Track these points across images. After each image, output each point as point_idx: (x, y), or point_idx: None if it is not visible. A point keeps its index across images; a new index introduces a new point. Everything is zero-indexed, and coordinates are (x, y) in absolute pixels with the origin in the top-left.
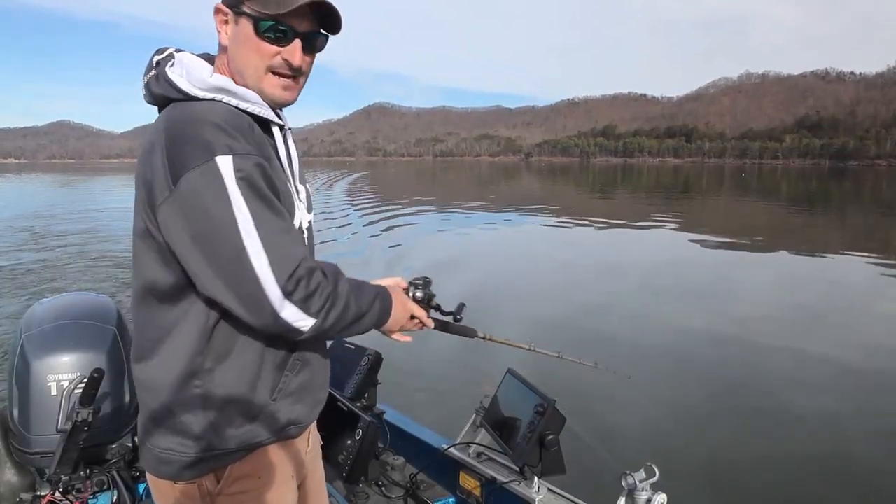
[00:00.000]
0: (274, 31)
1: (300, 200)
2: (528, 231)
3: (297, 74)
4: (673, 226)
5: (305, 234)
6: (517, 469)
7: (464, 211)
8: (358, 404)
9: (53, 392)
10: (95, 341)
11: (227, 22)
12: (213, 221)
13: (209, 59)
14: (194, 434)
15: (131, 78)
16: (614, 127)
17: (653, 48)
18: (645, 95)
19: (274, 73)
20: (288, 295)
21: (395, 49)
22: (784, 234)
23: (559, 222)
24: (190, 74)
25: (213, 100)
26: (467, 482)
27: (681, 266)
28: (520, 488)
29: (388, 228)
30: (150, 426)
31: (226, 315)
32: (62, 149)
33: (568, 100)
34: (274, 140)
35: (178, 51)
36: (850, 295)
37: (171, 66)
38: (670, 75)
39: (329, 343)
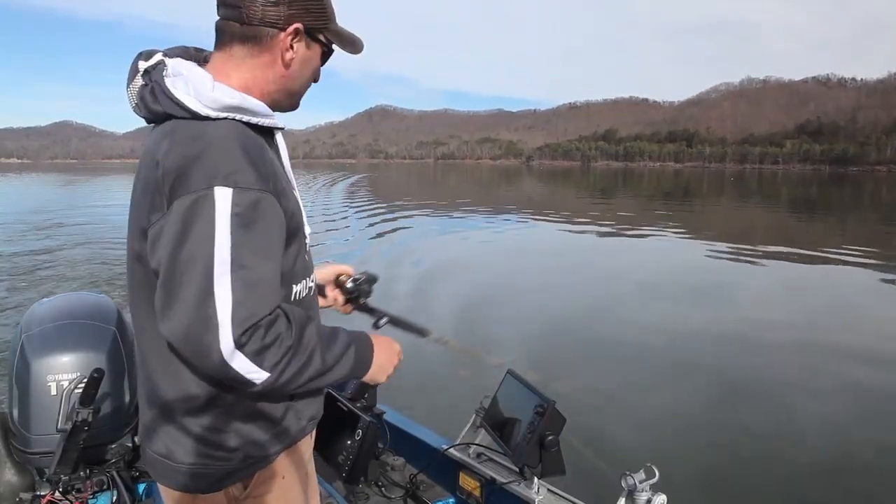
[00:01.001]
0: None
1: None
2: (529, 234)
3: None
4: (673, 230)
5: (305, 231)
6: (517, 469)
7: (464, 213)
8: (358, 404)
9: (53, 392)
10: (95, 341)
11: (294, 45)
12: (190, 253)
13: (186, 52)
14: (228, 447)
15: None
16: (615, 131)
17: (655, 53)
18: (646, 100)
19: None
20: (240, 346)
21: (397, 52)
22: (784, 239)
23: (559, 226)
24: (199, 92)
25: (225, 119)
26: (467, 483)
27: (681, 270)
28: (520, 489)
29: (389, 231)
30: (174, 445)
31: None
32: (65, 149)
33: (569, 104)
34: (277, 144)
35: (165, 54)
36: (852, 299)
37: (166, 75)
38: (672, 80)
39: None
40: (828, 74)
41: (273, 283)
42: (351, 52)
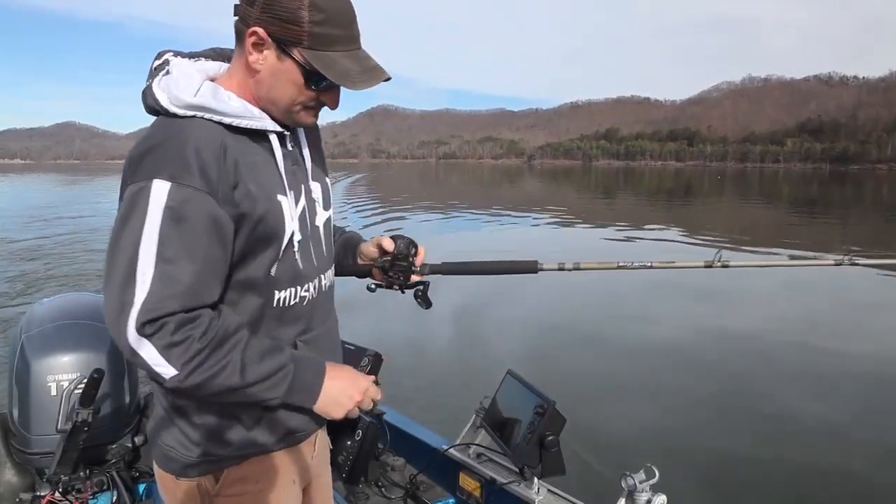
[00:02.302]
0: (323, 85)
1: (314, 199)
2: (529, 233)
3: None
4: (674, 229)
5: (293, 239)
6: (517, 470)
7: (465, 213)
8: None
9: (53, 392)
10: (95, 341)
11: (261, 48)
12: (124, 239)
13: (221, 55)
14: (194, 438)
15: (134, 79)
16: (617, 130)
17: (656, 52)
18: (648, 99)
19: (308, 107)
20: (146, 335)
21: (399, 52)
22: (785, 238)
23: (560, 224)
24: (170, 91)
25: (193, 117)
26: (467, 483)
27: (682, 268)
28: (520, 489)
29: (389, 230)
30: (160, 422)
31: None
32: (68, 149)
33: (571, 103)
34: (270, 144)
35: (176, 54)
36: (854, 300)
37: (165, 74)
38: (673, 79)
39: (339, 344)
40: (829, 73)
41: (190, 283)
42: (345, 87)
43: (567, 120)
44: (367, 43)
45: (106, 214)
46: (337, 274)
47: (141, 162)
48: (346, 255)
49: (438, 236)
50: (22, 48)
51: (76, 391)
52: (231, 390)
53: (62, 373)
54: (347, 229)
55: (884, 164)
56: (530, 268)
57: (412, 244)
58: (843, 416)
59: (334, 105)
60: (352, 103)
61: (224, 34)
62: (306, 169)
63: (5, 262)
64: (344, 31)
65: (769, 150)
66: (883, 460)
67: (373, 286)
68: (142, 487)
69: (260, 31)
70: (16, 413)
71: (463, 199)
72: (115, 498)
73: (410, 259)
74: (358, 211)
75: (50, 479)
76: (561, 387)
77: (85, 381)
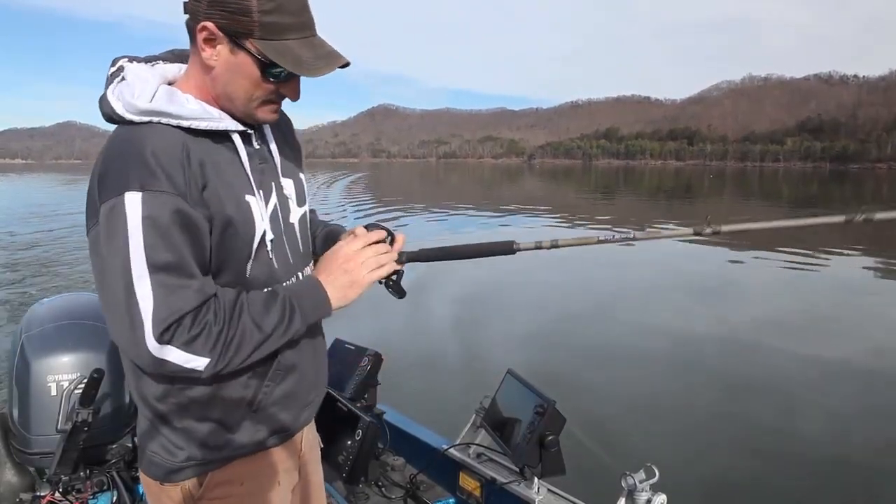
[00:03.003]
0: (280, 75)
1: (287, 197)
2: (529, 233)
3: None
4: (673, 224)
5: (265, 238)
6: (517, 470)
7: (465, 212)
8: (358, 405)
9: (53, 392)
10: (95, 341)
11: (213, 43)
12: (110, 259)
13: (179, 56)
14: (177, 443)
15: None
16: (617, 129)
17: (656, 52)
18: (648, 98)
19: (266, 101)
20: (167, 342)
21: (399, 51)
22: (785, 238)
23: (560, 224)
24: (124, 98)
25: (150, 122)
26: (467, 483)
27: (683, 268)
28: (520, 489)
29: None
30: (143, 428)
31: None
32: (68, 149)
33: (571, 102)
34: (234, 144)
35: (131, 59)
36: (855, 298)
37: (121, 80)
38: (673, 78)
39: (322, 341)
40: (829, 72)
41: (189, 283)
42: (301, 74)
43: (567, 119)
44: (370, 43)
45: None
46: None
47: (107, 177)
48: (326, 249)
49: (437, 235)
50: (22, 48)
51: (76, 391)
52: (258, 346)
53: (62, 373)
54: (332, 223)
55: (883, 163)
56: (507, 248)
57: (386, 232)
58: (843, 415)
59: (295, 96)
60: (352, 103)
61: None
62: (276, 166)
63: (7, 254)
64: (296, 18)
65: (769, 149)
66: (883, 461)
67: None
68: (142, 488)
69: (210, 25)
70: (16, 413)
71: (462, 198)
72: (115, 498)
73: None
74: (357, 209)
75: (50, 479)
76: (561, 386)
77: (85, 381)
